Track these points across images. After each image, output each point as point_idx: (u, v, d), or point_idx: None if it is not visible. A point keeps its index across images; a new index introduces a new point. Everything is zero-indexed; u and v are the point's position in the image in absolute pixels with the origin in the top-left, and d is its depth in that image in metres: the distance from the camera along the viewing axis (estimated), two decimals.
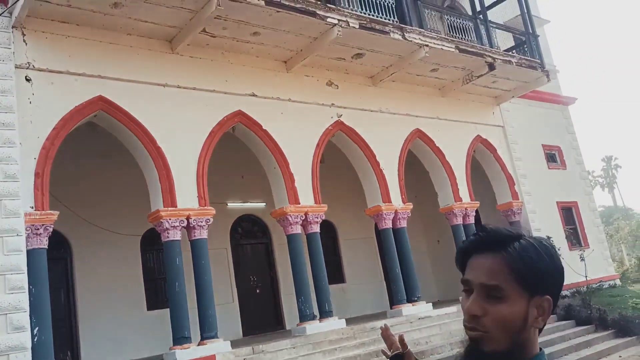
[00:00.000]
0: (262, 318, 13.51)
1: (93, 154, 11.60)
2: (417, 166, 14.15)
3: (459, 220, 13.33)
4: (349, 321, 11.03)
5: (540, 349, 1.23)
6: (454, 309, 11.81)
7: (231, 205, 13.70)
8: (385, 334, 1.89)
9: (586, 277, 14.57)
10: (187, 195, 9.17)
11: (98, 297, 11.15)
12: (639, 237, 38.29)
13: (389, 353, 1.86)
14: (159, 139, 9.10)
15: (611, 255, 18.98)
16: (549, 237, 14.88)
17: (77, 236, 11.23)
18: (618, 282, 16.90)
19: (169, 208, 8.88)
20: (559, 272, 1.22)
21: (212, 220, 9.39)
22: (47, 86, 8.26)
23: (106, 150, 11.13)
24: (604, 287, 15.35)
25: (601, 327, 12.02)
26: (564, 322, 12.22)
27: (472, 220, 13.63)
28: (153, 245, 11.70)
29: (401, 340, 1.83)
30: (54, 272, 9.43)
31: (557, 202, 16.15)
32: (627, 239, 35.85)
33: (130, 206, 11.38)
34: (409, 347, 1.82)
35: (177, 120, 9.48)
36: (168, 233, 8.80)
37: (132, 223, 11.51)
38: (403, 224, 12.34)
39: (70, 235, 11.17)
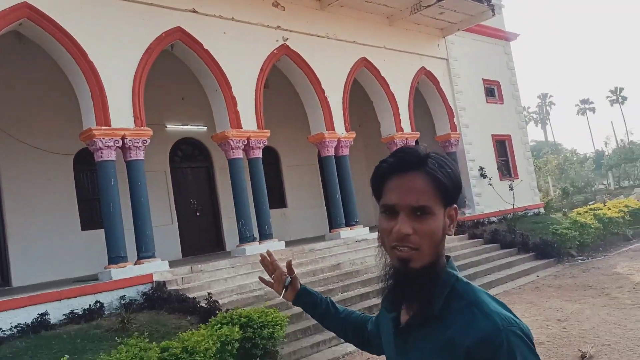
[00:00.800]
0: (202, 240, 13.62)
1: (20, 66, 10.83)
2: (362, 95, 14.15)
3: None
4: (289, 244, 11.32)
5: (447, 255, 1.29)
6: None
7: (170, 127, 13.33)
8: (267, 261, 1.83)
9: (513, 205, 15.53)
10: (122, 114, 8.79)
11: (29, 218, 10.79)
12: (565, 170, 40.89)
13: (268, 279, 1.85)
14: (91, 52, 8.55)
15: (538, 186, 20.17)
16: (482, 168, 15.72)
17: (3, 154, 10.66)
18: (542, 210, 18.09)
19: (103, 127, 8.51)
20: (461, 182, 1.29)
21: (149, 141, 9.12)
22: None
23: (35, 63, 10.41)
24: (529, 214, 16.42)
25: (523, 250, 12.96)
26: (490, 245, 13.08)
27: None
28: (87, 165, 11.28)
29: (289, 265, 1.83)
30: None
31: (492, 135, 16.77)
32: (554, 172, 38.13)
33: (62, 123, 10.86)
34: (295, 272, 1.83)
35: (111, 33, 8.90)
36: (102, 153, 8.50)
37: (64, 141, 11.03)
38: (345, 152, 12.49)
39: None
